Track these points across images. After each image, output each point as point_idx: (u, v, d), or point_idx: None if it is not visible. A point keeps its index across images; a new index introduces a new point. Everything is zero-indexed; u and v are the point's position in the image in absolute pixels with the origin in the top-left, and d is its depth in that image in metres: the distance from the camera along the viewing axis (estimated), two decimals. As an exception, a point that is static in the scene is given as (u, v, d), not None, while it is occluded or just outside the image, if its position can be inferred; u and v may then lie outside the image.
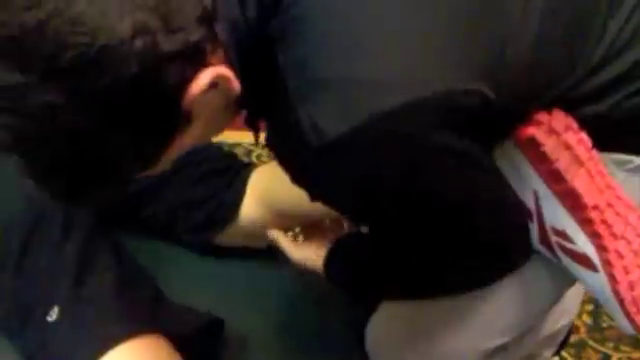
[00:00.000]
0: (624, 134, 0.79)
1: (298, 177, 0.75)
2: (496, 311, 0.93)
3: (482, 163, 0.76)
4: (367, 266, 0.94)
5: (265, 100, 0.71)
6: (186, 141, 0.70)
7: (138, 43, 0.60)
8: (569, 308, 1.10)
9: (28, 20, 0.59)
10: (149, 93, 0.63)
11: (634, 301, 0.79)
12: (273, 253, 1.10)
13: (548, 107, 0.76)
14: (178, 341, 0.94)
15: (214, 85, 0.66)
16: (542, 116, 0.76)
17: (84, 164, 0.66)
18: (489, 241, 0.81)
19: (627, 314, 0.80)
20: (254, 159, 1.41)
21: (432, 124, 0.67)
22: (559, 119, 0.76)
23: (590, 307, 1.51)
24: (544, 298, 0.96)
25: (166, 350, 0.93)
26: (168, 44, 0.61)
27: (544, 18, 0.72)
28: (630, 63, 0.76)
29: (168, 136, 0.68)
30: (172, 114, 0.66)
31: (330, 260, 0.97)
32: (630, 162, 0.81)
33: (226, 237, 1.11)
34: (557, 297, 0.98)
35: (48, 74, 0.61)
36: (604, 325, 1.50)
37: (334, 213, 0.92)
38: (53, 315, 0.91)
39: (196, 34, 0.63)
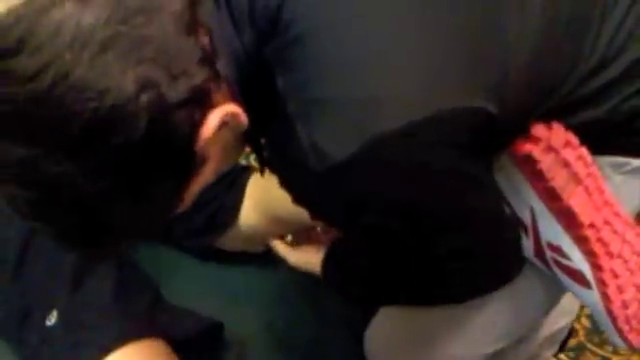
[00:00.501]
0: (621, 136, 0.79)
1: (300, 198, 0.74)
2: (492, 319, 0.94)
3: (483, 181, 0.76)
4: (363, 272, 0.93)
5: (266, 126, 0.70)
6: (201, 181, 0.69)
7: (144, 98, 0.59)
8: (569, 309, 1.11)
9: (30, 92, 0.58)
10: (161, 145, 0.62)
11: (627, 319, 0.79)
12: (272, 257, 1.10)
13: (547, 117, 0.75)
14: (178, 345, 0.95)
15: (224, 124, 0.65)
16: (541, 131, 0.75)
17: (100, 223, 0.65)
18: (482, 255, 0.81)
19: (620, 332, 0.80)
20: (252, 162, 1.41)
21: (435, 143, 0.67)
22: (558, 135, 0.75)
23: (589, 311, 1.50)
24: (538, 306, 0.97)
25: (165, 354, 0.93)
26: (173, 93, 0.60)
27: (542, 30, 0.72)
28: (627, 64, 0.76)
29: (184, 182, 0.67)
30: (186, 161, 0.65)
31: (327, 264, 0.97)
32: (627, 164, 0.80)
33: (226, 241, 1.11)
34: (551, 305, 0.99)
35: (57, 144, 0.59)
36: (603, 328, 1.49)
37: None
38: (52, 319, 0.91)
39: (199, 76, 0.62)
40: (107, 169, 0.61)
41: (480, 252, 0.80)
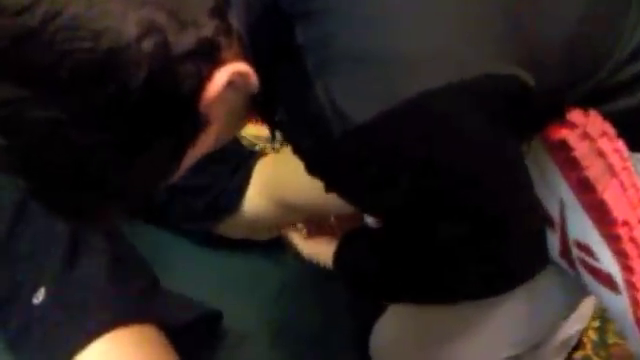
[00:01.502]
0: None
1: (314, 166, 0.70)
2: (507, 322, 0.91)
3: (512, 157, 0.72)
4: (377, 266, 0.90)
5: (278, 86, 0.66)
6: (201, 147, 0.65)
7: (147, 44, 0.55)
8: (584, 313, 1.09)
9: (19, 27, 0.54)
10: (161, 99, 0.57)
11: (657, 328, 0.75)
12: (276, 246, 1.08)
13: (583, 103, 0.72)
14: (173, 332, 0.91)
15: (231, 83, 0.61)
16: (577, 117, 0.71)
17: (92, 182, 0.61)
18: (502, 243, 0.77)
19: (648, 340, 0.76)
20: (260, 148, 1.39)
21: (466, 110, 0.63)
22: (595, 123, 0.72)
23: (597, 324, 1.48)
24: (557, 311, 0.94)
25: (157, 341, 0.90)
26: (180, 42, 0.56)
27: (584, 8, 0.70)
28: None
29: (184, 145, 0.63)
30: (188, 121, 0.61)
31: (340, 256, 0.94)
32: None
33: (228, 228, 1.08)
34: (570, 311, 0.96)
35: (47, 87, 0.55)
36: (610, 342, 1.47)
37: (341, 209, 0.88)
38: (39, 297, 0.87)
39: (209, 28, 0.58)
40: (99, 119, 0.56)
41: (501, 234, 0.76)
